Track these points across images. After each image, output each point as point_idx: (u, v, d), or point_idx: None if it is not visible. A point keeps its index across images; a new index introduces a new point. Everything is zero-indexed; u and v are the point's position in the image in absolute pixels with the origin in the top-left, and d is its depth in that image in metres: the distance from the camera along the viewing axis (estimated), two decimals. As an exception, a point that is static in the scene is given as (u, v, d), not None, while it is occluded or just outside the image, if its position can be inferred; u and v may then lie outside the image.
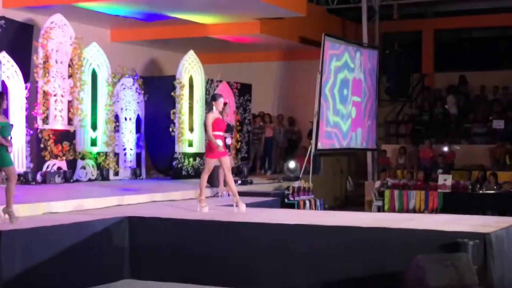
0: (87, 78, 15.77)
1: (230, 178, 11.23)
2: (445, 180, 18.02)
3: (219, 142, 11.05)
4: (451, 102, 22.28)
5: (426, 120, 22.64)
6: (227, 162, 11.22)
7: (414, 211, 17.60)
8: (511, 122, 21.12)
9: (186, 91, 17.22)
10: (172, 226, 10.20)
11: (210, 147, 11.15)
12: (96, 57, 16.09)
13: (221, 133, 11.20)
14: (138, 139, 17.12)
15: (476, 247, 8.29)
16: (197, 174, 17.02)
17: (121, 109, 16.76)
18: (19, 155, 14.15)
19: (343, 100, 18.14)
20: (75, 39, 15.33)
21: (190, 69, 17.48)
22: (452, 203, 17.47)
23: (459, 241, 8.33)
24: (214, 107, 11.16)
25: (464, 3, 23.38)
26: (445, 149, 20.53)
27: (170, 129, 16.90)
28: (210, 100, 11.60)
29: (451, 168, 19.64)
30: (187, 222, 10.24)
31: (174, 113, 16.93)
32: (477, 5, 23.44)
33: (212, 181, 14.29)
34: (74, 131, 15.35)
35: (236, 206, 11.14)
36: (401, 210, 17.77)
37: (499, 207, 16.90)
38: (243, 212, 10.99)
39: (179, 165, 16.96)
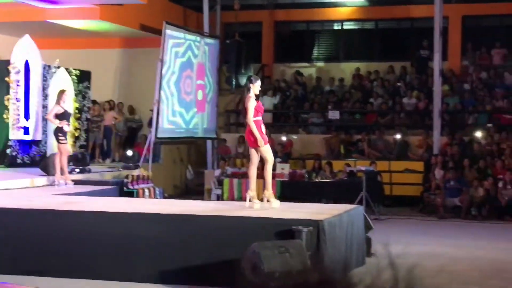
0: None
1: (269, 171, 10.33)
2: (283, 169, 18.41)
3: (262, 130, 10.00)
4: (290, 92, 22.83)
5: (264, 109, 23.01)
6: (268, 152, 10.19)
7: (252, 199, 17.88)
8: (346, 113, 21.94)
9: (21, 76, 16.65)
10: (5, 216, 9.85)
11: (253, 135, 10.12)
12: None
13: (260, 118, 10.21)
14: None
15: (309, 233, 8.57)
16: (33, 162, 16.54)
17: (-49, 94, 15.99)
18: None
19: (187, 87, 18.17)
20: None
21: (26, 54, 16.90)
22: (290, 192, 17.83)
23: (294, 228, 8.58)
24: (251, 90, 10.23)
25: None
26: (283, 138, 21.00)
27: (4, 116, 16.30)
28: (247, 82, 10.38)
29: (289, 157, 20.12)
30: (20, 211, 9.92)
31: (8, 99, 16.33)
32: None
33: (48, 169, 13.92)
34: None
35: (268, 201, 10.29)
36: (240, 199, 17.97)
37: (333, 195, 17.48)
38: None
39: (13, 153, 16.40)
